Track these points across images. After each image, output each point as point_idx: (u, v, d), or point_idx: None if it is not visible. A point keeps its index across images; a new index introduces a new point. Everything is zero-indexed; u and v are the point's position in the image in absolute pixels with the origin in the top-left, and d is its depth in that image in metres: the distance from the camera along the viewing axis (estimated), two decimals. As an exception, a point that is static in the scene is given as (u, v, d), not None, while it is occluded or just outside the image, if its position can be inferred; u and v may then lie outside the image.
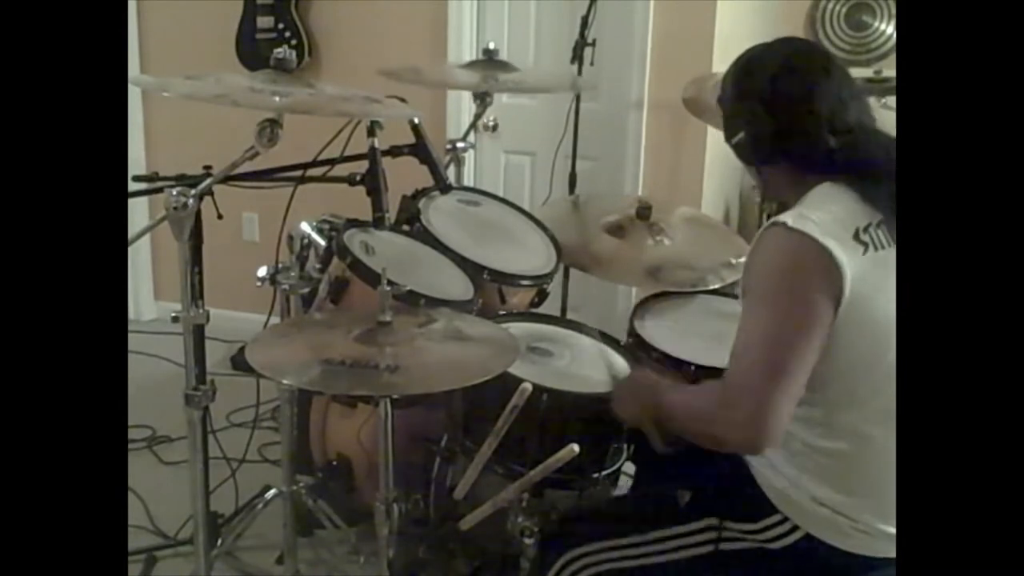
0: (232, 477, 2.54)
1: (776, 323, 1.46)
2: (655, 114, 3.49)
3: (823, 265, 1.45)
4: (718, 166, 3.48)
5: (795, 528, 1.56)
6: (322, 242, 2.30)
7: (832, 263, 1.44)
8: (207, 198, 1.86)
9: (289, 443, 2.29)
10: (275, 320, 2.16)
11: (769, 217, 1.58)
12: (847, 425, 1.53)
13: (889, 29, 3.57)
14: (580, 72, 3.20)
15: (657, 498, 1.73)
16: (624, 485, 2.12)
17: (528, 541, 1.76)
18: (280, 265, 2.18)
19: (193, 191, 1.80)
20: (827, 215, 1.49)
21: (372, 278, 2.07)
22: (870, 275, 1.47)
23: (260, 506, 2.34)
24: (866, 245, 1.48)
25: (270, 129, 1.78)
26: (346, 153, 2.07)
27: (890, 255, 1.50)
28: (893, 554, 1.52)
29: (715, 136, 3.18)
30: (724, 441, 1.51)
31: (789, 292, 1.47)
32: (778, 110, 1.57)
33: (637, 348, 2.19)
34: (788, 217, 1.48)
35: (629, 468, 2.09)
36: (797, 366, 1.45)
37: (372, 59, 2.76)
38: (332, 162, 2.06)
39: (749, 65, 1.64)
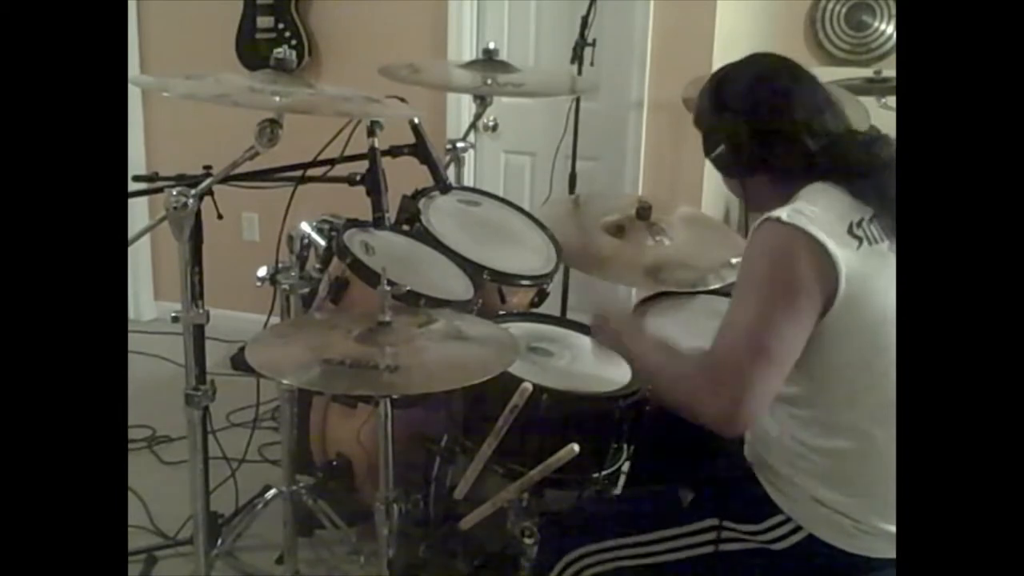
0: (232, 477, 2.54)
1: (763, 305, 1.47)
2: (655, 114, 3.49)
3: (816, 257, 1.45)
4: (718, 166, 3.47)
5: (797, 528, 1.56)
6: (322, 242, 2.30)
7: (826, 257, 1.45)
8: (207, 198, 1.86)
9: (289, 443, 2.29)
10: (275, 320, 2.16)
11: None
12: (846, 424, 1.54)
13: (889, 29, 3.57)
14: (580, 72, 3.20)
15: (658, 498, 1.73)
16: (625, 484, 2.12)
17: (528, 541, 1.76)
18: (280, 265, 2.18)
19: (193, 191, 1.80)
20: (821, 210, 1.50)
21: (372, 278, 2.07)
22: (865, 269, 1.47)
23: (260, 506, 2.34)
24: (860, 240, 1.49)
25: (270, 129, 1.78)
26: (346, 153, 2.07)
27: (884, 249, 1.50)
28: (895, 554, 1.52)
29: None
30: (701, 415, 1.50)
31: (778, 277, 1.48)
32: (755, 119, 1.60)
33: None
34: (782, 212, 1.49)
35: (629, 468, 2.09)
36: (781, 351, 1.45)
37: (372, 59, 2.75)
38: (332, 162, 2.06)
39: (723, 80, 1.68)
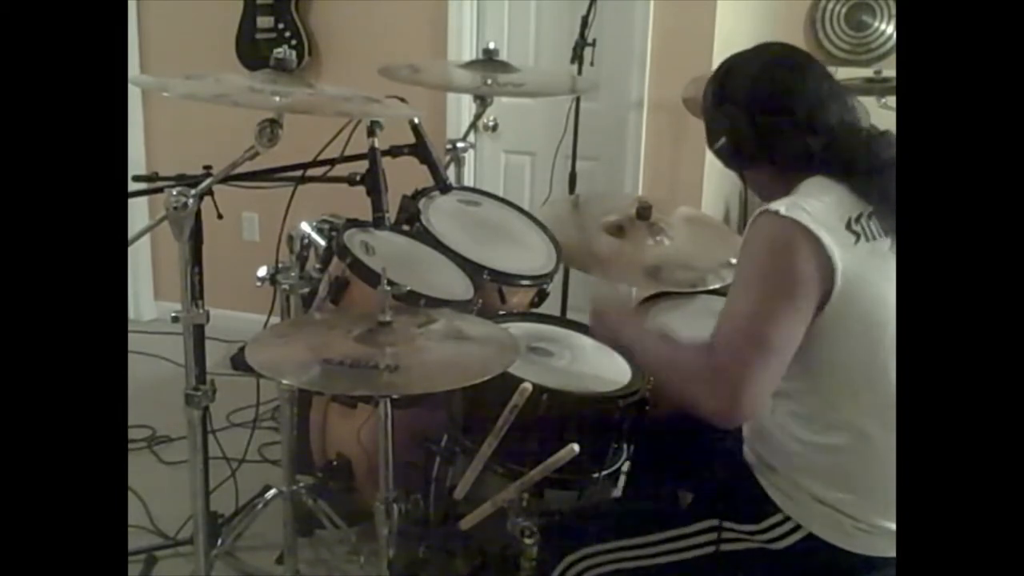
0: (232, 477, 2.54)
1: (761, 299, 1.48)
2: (655, 114, 3.49)
3: (813, 252, 1.46)
4: (718, 166, 3.46)
5: (797, 527, 1.56)
6: (322, 242, 2.30)
7: (823, 252, 1.45)
8: (207, 198, 1.86)
9: (289, 443, 2.29)
10: (275, 320, 2.16)
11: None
12: (844, 420, 1.54)
13: (889, 29, 3.57)
14: (580, 72, 3.20)
15: (658, 499, 1.73)
16: (624, 485, 2.11)
17: (528, 541, 1.75)
18: (280, 265, 2.18)
19: (193, 191, 1.80)
20: (820, 204, 1.50)
21: (372, 278, 2.07)
22: (862, 265, 1.48)
23: (260, 506, 2.34)
24: (858, 235, 1.49)
25: (270, 129, 1.78)
26: (346, 153, 2.07)
27: (882, 246, 1.51)
28: (894, 553, 1.52)
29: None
30: (701, 407, 1.51)
31: (776, 271, 1.48)
32: (756, 114, 1.60)
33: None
34: (781, 205, 1.50)
35: (629, 468, 2.09)
36: (779, 342, 1.46)
37: (372, 59, 2.75)
38: (332, 162, 2.06)
39: (728, 72, 1.67)
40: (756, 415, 1.52)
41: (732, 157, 1.67)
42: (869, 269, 1.48)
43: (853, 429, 1.53)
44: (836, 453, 1.54)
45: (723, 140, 1.65)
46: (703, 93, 1.70)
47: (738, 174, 1.73)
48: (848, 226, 1.49)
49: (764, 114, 1.59)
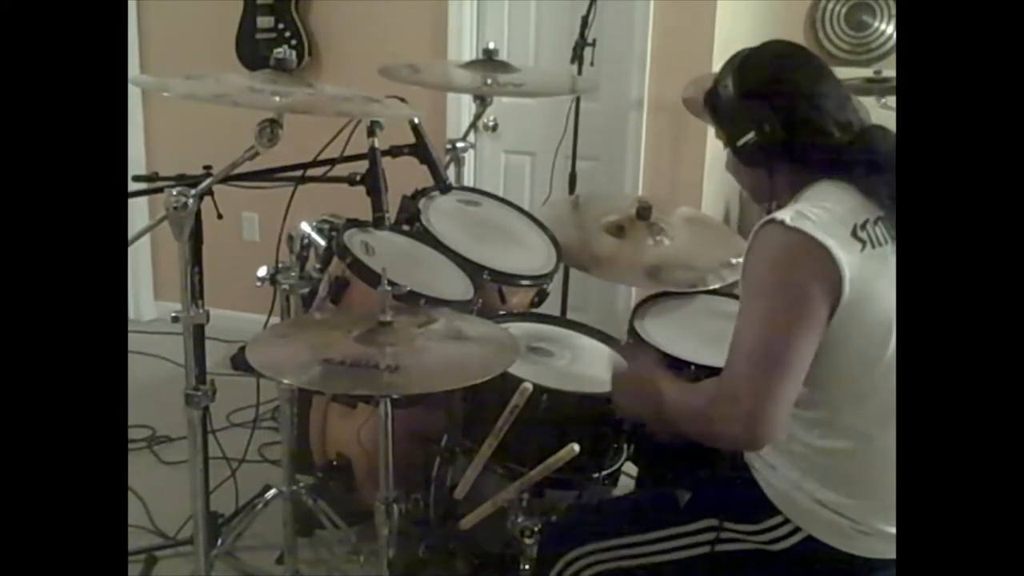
0: (232, 477, 2.54)
1: (774, 319, 1.46)
2: (655, 114, 3.49)
3: (821, 263, 1.44)
4: (718, 166, 3.46)
5: (796, 530, 1.56)
6: (322, 242, 2.30)
7: (830, 261, 1.44)
8: (207, 198, 1.86)
9: (289, 443, 2.29)
10: (275, 320, 2.16)
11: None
12: (847, 425, 1.53)
13: (889, 29, 3.57)
14: (580, 72, 3.20)
15: (657, 498, 1.73)
16: (624, 485, 2.12)
17: (528, 541, 1.75)
18: (280, 265, 2.18)
19: (193, 191, 1.80)
20: (824, 212, 1.48)
21: (372, 278, 2.07)
22: (868, 272, 1.46)
23: (260, 506, 2.34)
24: (864, 242, 1.48)
25: (270, 129, 1.78)
26: (346, 153, 2.07)
27: (888, 252, 1.49)
28: (894, 555, 1.52)
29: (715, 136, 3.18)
30: (722, 437, 1.51)
31: (786, 288, 1.47)
32: (784, 107, 1.57)
33: (637, 348, 2.19)
34: (786, 214, 1.47)
35: (629, 468, 2.09)
36: (795, 361, 1.45)
37: (372, 59, 2.76)
38: (332, 162, 2.06)
39: (745, 66, 1.63)
40: (777, 434, 1.50)
41: (758, 154, 1.60)
42: (875, 276, 1.47)
43: (857, 434, 1.53)
44: (839, 457, 1.54)
45: (751, 136, 1.59)
46: (717, 91, 1.65)
47: (745, 175, 1.68)
48: (854, 233, 1.48)
49: (791, 108, 1.56)
